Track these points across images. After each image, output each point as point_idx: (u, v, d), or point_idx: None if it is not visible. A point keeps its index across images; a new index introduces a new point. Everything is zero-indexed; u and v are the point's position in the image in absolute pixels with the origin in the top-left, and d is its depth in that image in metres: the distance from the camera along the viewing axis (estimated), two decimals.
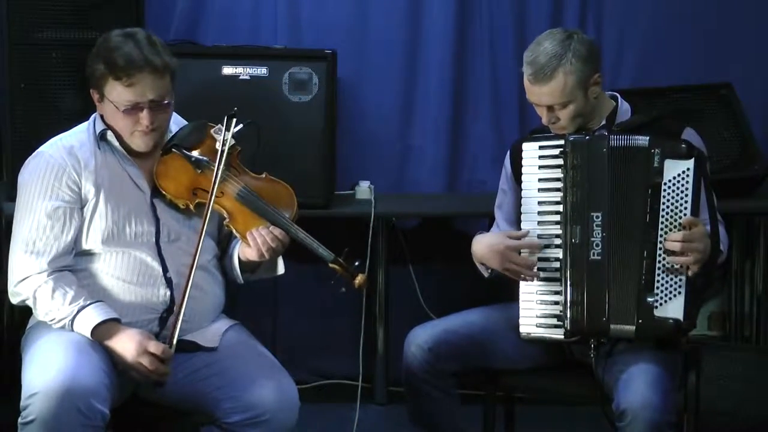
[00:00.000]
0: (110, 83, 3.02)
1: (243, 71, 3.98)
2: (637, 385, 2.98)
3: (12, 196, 3.75)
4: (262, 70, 3.98)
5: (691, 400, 3.17)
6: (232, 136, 3.12)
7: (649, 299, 3.05)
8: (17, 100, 3.81)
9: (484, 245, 3.27)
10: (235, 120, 3.09)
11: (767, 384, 3.25)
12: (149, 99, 3.03)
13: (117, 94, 3.02)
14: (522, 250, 3.18)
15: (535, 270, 3.16)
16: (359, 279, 3.07)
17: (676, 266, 3.03)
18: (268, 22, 4.40)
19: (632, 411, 2.93)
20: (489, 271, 3.30)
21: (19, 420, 2.83)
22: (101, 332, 2.95)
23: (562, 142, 3.16)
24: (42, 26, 3.78)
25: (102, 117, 3.12)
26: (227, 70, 3.97)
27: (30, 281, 3.01)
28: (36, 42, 3.78)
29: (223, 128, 3.10)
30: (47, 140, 3.16)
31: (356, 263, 3.09)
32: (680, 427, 3.13)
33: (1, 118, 3.93)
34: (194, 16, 4.37)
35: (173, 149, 3.13)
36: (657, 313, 3.05)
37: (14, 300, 3.07)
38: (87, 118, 3.21)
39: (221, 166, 3.06)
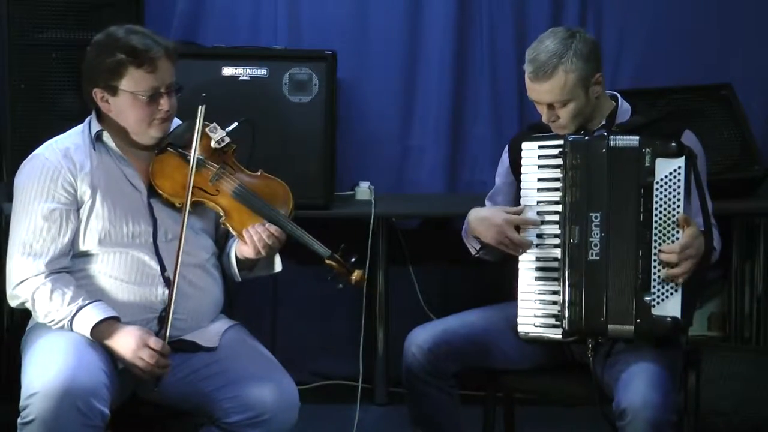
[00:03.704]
0: (130, 72, 3.02)
1: (243, 72, 3.98)
2: (637, 384, 2.97)
3: (11, 196, 3.76)
4: (262, 71, 3.99)
5: (691, 400, 3.17)
6: (228, 134, 3.15)
7: (647, 298, 3.05)
8: (17, 100, 3.82)
9: (481, 217, 3.27)
10: (204, 107, 3.08)
11: (767, 384, 3.25)
12: (167, 84, 3.05)
13: (137, 82, 3.02)
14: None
15: (531, 244, 3.16)
16: (356, 275, 3.07)
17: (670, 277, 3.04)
18: (268, 22, 4.41)
19: (633, 410, 2.93)
20: (478, 247, 3.30)
21: (19, 420, 2.82)
22: (101, 331, 2.95)
23: (561, 142, 3.17)
24: (42, 26, 3.78)
25: (99, 118, 3.12)
26: (227, 71, 3.97)
27: (28, 283, 3.00)
28: (36, 42, 3.78)
29: (196, 119, 3.09)
30: (47, 141, 3.16)
31: (353, 259, 3.08)
32: (680, 427, 3.13)
33: (1, 118, 3.93)
34: (194, 16, 4.38)
35: (168, 148, 3.13)
36: (655, 312, 3.05)
37: (13, 303, 3.06)
38: (86, 119, 3.22)
39: (195, 157, 3.07)
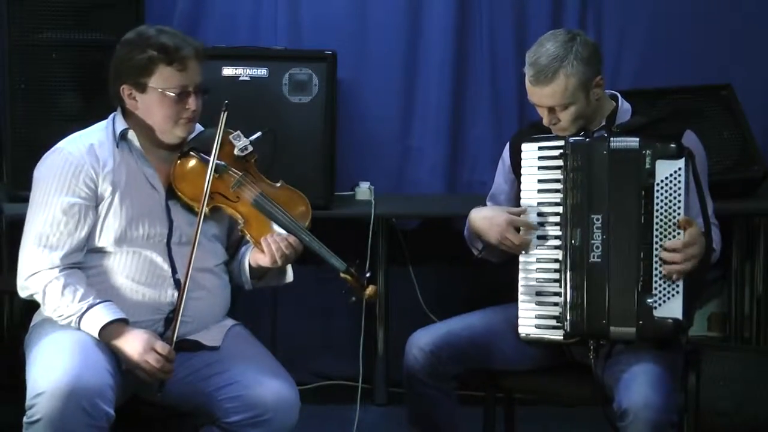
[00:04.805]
0: (160, 69, 3.02)
1: (243, 72, 3.98)
2: (638, 385, 2.98)
3: (12, 196, 3.77)
4: (262, 71, 3.99)
5: (691, 400, 3.18)
6: (251, 143, 3.15)
7: (649, 300, 3.06)
8: (17, 100, 3.81)
9: (482, 216, 3.27)
10: (226, 112, 3.08)
11: (767, 384, 3.25)
12: (195, 83, 3.06)
13: (167, 80, 3.03)
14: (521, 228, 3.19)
15: (530, 244, 3.17)
16: (370, 290, 3.07)
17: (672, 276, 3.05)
18: (268, 23, 4.40)
19: (634, 410, 2.93)
20: (480, 248, 3.30)
21: (25, 419, 2.82)
22: (109, 332, 2.95)
23: (561, 143, 3.17)
24: (42, 26, 3.78)
25: (124, 116, 3.11)
26: (227, 71, 3.97)
27: (41, 276, 3.00)
28: (36, 42, 3.78)
29: (222, 122, 3.10)
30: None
31: (367, 274, 3.09)
32: (680, 427, 3.13)
33: (1, 118, 3.93)
34: (194, 16, 4.37)
35: (192, 152, 3.13)
36: (656, 313, 3.05)
37: (23, 294, 3.05)
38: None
39: (214, 159, 3.07)
